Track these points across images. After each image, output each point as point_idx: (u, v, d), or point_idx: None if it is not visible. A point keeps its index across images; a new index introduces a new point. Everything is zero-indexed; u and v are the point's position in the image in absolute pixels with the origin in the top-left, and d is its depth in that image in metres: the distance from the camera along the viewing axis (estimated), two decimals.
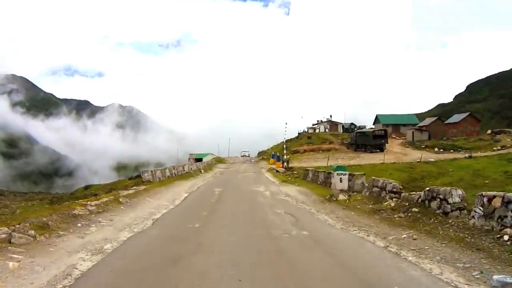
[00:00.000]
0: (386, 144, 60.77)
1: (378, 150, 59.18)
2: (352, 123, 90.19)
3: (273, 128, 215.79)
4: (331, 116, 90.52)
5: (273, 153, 57.64)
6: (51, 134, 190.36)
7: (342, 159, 53.78)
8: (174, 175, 27.82)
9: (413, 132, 74.12)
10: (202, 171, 39.40)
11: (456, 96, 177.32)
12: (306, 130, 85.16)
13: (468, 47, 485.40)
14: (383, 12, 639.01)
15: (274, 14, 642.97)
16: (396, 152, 60.94)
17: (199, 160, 60.71)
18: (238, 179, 30.30)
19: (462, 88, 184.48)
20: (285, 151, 48.88)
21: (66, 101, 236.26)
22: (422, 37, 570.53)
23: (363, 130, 68.64)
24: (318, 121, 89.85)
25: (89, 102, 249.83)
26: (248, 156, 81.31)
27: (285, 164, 44.76)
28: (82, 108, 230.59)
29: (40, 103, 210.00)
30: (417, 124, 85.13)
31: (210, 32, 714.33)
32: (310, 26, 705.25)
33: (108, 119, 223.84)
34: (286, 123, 48.14)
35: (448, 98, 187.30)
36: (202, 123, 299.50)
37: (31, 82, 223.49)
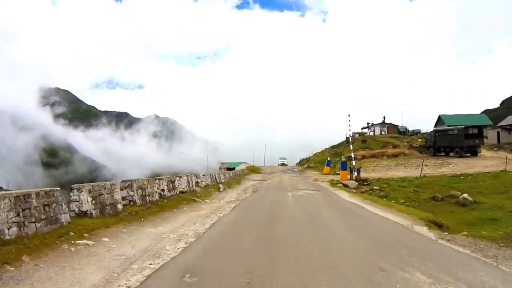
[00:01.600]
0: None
1: (469, 154, 39.33)
2: (405, 127, 69.80)
3: (307, 138, 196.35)
4: (384, 117, 70.00)
5: (328, 158, 38.61)
6: (90, 144, 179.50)
7: (426, 166, 33.91)
8: (127, 205, 9.65)
9: (498, 132, 52.87)
10: (222, 186, 21.05)
11: (503, 102, 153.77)
12: (351, 134, 65.26)
13: None
14: (427, 17, 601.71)
15: (311, 22, 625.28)
16: (490, 156, 40.46)
17: (231, 169, 45.27)
18: (292, 212, 11.42)
19: (509, 94, 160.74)
20: (352, 155, 29.31)
21: (106, 112, 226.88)
22: (467, 43, 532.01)
23: (447, 128, 47.86)
24: (369, 123, 69.30)
25: (128, 113, 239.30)
26: (287, 165, 63.02)
27: (354, 174, 25.68)
28: (120, 119, 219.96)
29: (82, 115, 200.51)
30: (490, 124, 63.59)
31: (246, 42, 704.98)
32: (346, 34, 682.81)
33: (144, 130, 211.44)
34: (349, 115, 28.82)
35: (495, 104, 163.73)
36: (236, 133, 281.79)
37: (74, 95, 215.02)
